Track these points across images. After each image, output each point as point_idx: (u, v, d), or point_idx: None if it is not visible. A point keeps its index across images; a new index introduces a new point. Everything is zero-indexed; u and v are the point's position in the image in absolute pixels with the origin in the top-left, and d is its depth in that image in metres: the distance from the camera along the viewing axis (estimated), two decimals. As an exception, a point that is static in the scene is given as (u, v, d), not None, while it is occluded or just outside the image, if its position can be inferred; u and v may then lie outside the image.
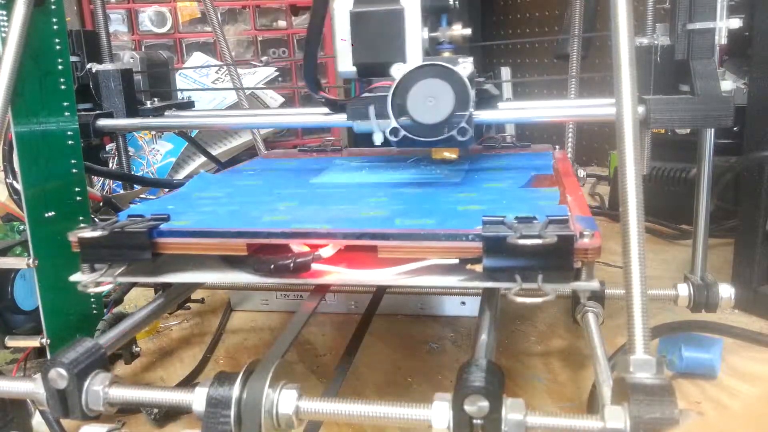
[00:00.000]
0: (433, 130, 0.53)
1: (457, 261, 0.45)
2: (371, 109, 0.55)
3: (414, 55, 0.55)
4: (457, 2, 0.58)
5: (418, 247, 0.45)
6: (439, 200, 0.55)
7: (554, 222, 0.44)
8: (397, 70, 0.53)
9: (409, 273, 0.47)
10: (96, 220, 0.65)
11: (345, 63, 0.57)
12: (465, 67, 0.52)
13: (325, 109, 0.65)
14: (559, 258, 0.41)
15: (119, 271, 0.48)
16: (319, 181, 0.67)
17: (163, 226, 0.49)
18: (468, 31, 0.57)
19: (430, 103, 0.52)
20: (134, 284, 0.72)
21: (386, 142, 0.55)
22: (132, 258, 0.48)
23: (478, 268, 0.44)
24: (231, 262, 0.51)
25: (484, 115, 0.59)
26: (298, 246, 0.49)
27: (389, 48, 0.55)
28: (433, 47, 0.57)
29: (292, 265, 0.47)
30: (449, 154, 0.61)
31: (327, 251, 0.48)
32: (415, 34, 0.55)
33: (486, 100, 0.60)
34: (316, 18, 0.55)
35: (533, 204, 0.51)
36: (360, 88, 0.60)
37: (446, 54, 0.57)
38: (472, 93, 0.52)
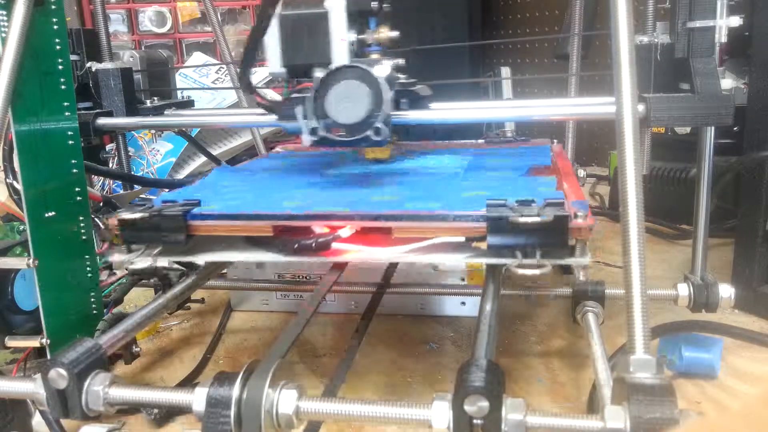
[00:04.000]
0: (352, 130, 0.54)
1: (463, 239, 0.49)
2: (299, 110, 0.56)
3: (339, 57, 0.56)
4: (385, 6, 0.59)
5: (428, 228, 0.48)
6: (446, 187, 0.58)
7: (551, 204, 0.48)
8: (319, 72, 0.54)
9: (420, 250, 0.50)
10: (96, 220, 0.65)
11: (275, 64, 0.58)
12: (383, 68, 0.54)
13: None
14: (555, 236, 0.46)
15: (156, 251, 0.52)
16: (332, 171, 0.69)
17: (196, 210, 0.52)
18: (395, 34, 0.58)
19: (348, 103, 0.54)
20: (135, 284, 0.72)
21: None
22: (168, 239, 0.51)
23: (483, 245, 0.48)
24: (256, 243, 0.54)
25: (413, 116, 0.60)
26: (318, 227, 0.53)
27: (315, 50, 0.56)
28: (361, 49, 0.58)
29: (314, 244, 0.51)
30: (380, 155, 0.67)
31: (345, 232, 0.52)
32: (340, 37, 0.56)
33: (416, 101, 0.61)
34: (261, 21, 0.54)
35: (532, 190, 0.54)
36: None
37: (374, 56, 0.57)
38: (389, 94, 0.53)
